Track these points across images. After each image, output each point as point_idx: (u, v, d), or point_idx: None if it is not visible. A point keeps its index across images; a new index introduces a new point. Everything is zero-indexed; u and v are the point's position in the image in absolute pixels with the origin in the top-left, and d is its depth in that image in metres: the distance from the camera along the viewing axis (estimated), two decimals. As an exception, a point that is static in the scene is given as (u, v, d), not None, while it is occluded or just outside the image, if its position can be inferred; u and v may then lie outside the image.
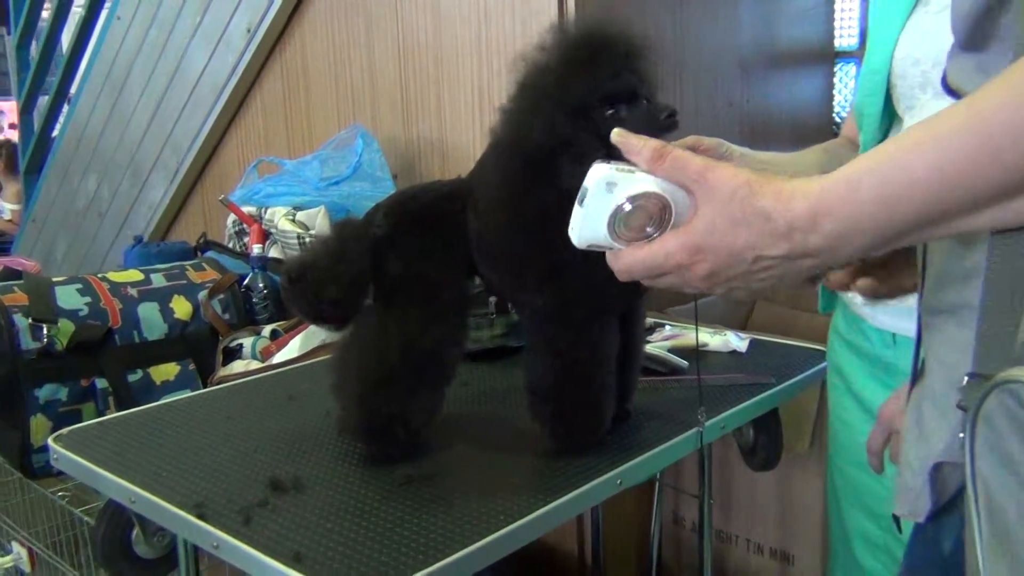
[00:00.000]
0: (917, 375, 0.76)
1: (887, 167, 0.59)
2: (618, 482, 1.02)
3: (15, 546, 1.75)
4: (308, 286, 1.08)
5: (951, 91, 0.73)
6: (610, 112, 0.94)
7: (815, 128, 2.42)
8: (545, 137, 0.95)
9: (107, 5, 3.33)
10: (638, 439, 1.11)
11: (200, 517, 0.95)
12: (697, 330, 1.19)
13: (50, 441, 1.19)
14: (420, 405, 1.08)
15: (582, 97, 0.94)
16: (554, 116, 0.95)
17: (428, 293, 1.07)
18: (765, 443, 1.42)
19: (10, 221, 4.92)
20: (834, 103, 2.47)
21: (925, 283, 0.73)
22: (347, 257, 1.08)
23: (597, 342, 1.04)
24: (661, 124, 0.94)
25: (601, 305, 1.04)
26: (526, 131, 0.96)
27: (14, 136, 5.17)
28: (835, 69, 2.44)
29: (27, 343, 1.59)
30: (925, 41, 1.08)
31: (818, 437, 1.65)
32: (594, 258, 1.00)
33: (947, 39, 1.04)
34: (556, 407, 1.07)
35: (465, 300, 1.13)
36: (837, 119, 2.47)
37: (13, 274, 1.91)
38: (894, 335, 1.11)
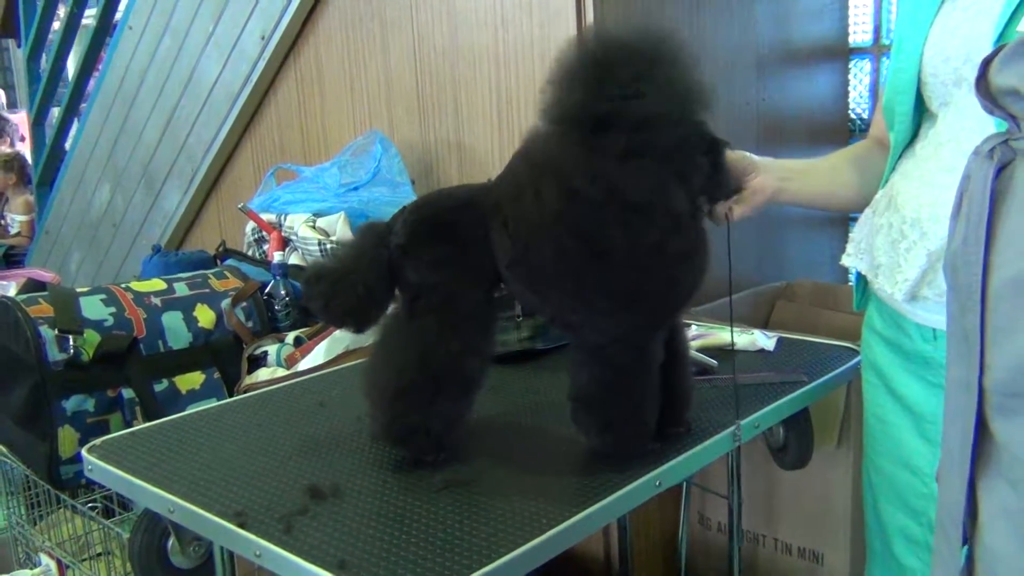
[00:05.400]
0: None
1: None
2: (657, 483, 1.02)
3: (43, 558, 1.75)
4: (323, 292, 1.08)
5: None
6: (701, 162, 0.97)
7: (831, 125, 2.41)
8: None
9: (118, 15, 3.34)
10: (674, 440, 1.10)
11: (241, 526, 0.94)
12: (732, 331, 1.19)
13: (84, 452, 1.19)
14: (441, 413, 1.07)
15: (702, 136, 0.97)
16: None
17: (444, 303, 1.05)
18: (796, 442, 1.41)
19: (18, 234, 4.94)
20: (849, 99, 2.46)
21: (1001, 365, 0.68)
22: (362, 265, 1.07)
23: (649, 353, 1.03)
24: (735, 192, 1.05)
25: (664, 322, 1.03)
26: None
27: (26, 148, 5.19)
28: (850, 66, 2.43)
29: (53, 354, 1.59)
30: (955, 38, 1.08)
31: (846, 434, 1.64)
32: (674, 279, 1.00)
33: (977, 36, 1.04)
34: (603, 416, 1.05)
35: (487, 310, 1.10)
36: (852, 115, 2.46)
37: (37, 286, 1.91)
38: (934, 330, 1.10)
